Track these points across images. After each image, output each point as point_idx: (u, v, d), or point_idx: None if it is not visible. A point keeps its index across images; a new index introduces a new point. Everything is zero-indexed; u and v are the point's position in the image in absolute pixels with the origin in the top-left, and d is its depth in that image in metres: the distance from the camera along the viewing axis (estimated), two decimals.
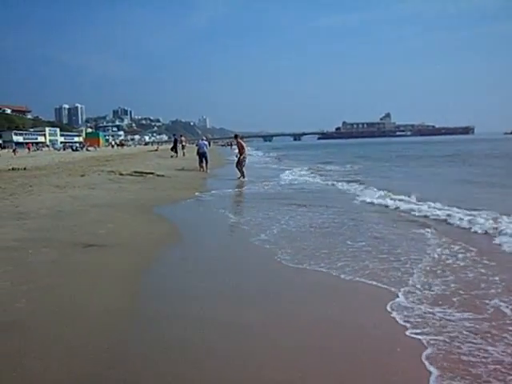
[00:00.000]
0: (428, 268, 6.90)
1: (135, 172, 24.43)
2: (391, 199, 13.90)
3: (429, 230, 9.69)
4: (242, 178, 22.94)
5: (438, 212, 11.41)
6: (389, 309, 5.32)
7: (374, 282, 6.32)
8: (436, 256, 7.56)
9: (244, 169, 23.57)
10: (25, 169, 28.24)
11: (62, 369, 4.03)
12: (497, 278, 6.32)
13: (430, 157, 46.10)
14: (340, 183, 19.85)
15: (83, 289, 6.12)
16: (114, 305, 5.56)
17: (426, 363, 4.06)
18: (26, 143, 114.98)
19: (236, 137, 25.59)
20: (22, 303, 5.49)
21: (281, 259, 7.62)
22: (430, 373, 3.89)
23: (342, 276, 6.67)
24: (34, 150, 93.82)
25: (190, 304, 5.67)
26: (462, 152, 53.91)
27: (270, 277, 7.00)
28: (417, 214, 11.72)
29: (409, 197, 13.83)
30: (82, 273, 6.83)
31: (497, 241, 8.51)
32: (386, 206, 13.12)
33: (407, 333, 4.68)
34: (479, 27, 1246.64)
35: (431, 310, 5.22)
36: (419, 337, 4.58)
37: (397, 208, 12.72)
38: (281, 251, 8.10)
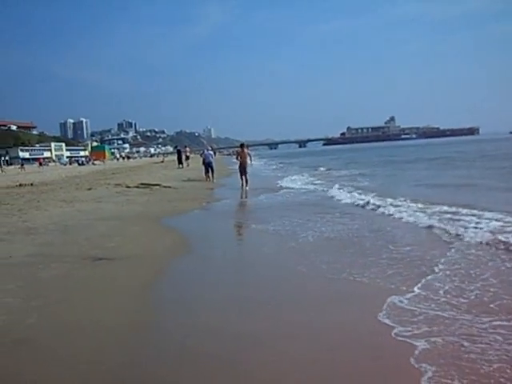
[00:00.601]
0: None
1: (142, 184, 24.48)
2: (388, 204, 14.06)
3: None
4: (245, 187, 22.30)
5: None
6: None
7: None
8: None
9: (248, 176, 22.94)
10: (32, 184, 28.36)
11: None
12: None
13: (429, 160, 45.77)
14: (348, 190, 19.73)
15: (95, 303, 6.10)
16: (126, 318, 5.53)
17: None
18: (36, 159, 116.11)
19: (242, 146, 24.24)
20: (33, 318, 5.48)
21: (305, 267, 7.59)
22: None
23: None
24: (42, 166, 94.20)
25: (204, 316, 5.63)
26: (460, 153, 53.69)
27: (297, 286, 6.96)
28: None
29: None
30: (92, 287, 6.82)
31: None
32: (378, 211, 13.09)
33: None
34: (482, 27, 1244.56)
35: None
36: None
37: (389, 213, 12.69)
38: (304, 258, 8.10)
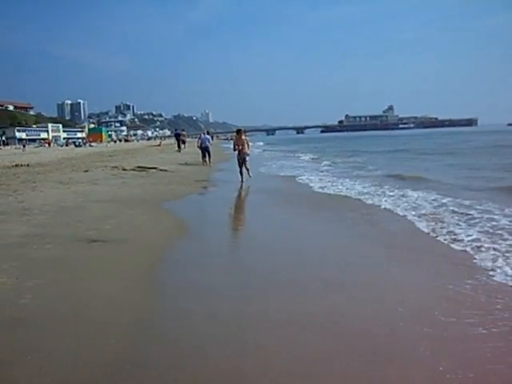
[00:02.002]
0: None
1: (138, 167, 24.41)
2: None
3: None
4: (247, 177, 19.08)
5: None
6: None
7: None
8: None
9: (248, 165, 19.20)
10: (28, 165, 28.26)
11: (67, 366, 4.01)
12: None
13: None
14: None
15: (88, 284, 6.10)
16: (119, 300, 5.54)
17: None
18: (33, 139, 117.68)
19: (239, 132, 19.94)
20: (27, 299, 5.47)
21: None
22: None
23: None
24: (37, 147, 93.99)
25: (198, 300, 5.64)
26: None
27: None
28: None
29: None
30: (86, 268, 6.81)
31: None
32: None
33: None
34: (483, 19, 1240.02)
35: None
36: None
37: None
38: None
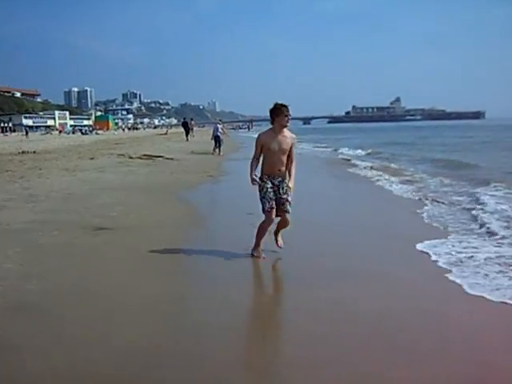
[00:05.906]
0: None
1: (144, 155, 24.34)
2: None
3: None
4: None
5: None
6: None
7: None
8: None
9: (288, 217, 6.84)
10: (34, 152, 28.30)
11: (72, 350, 3.99)
12: None
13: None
14: None
15: (94, 271, 6.09)
16: (124, 287, 5.52)
17: None
18: (38, 126, 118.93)
19: (274, 111, 6.46)
20: (32, 284, 5.48)
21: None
22: None
23: None
24: (43, 134, 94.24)
25: (205, 289, 5.61)
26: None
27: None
28: None
29: None
30: (92, 255, 6.79)
31: None
32: None
33: None
34: (491, 9, 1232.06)
35: None
36: None
37: None
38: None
